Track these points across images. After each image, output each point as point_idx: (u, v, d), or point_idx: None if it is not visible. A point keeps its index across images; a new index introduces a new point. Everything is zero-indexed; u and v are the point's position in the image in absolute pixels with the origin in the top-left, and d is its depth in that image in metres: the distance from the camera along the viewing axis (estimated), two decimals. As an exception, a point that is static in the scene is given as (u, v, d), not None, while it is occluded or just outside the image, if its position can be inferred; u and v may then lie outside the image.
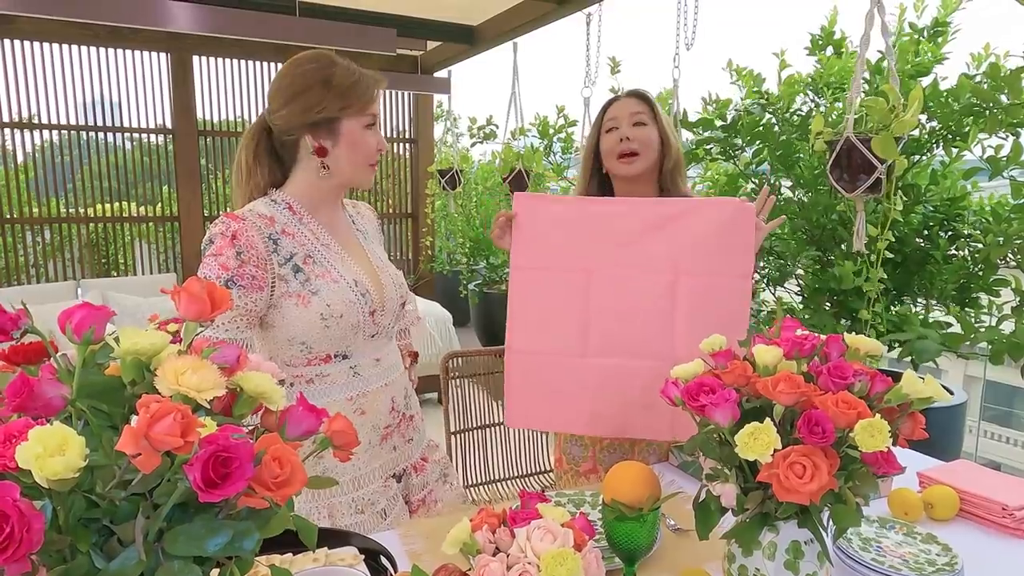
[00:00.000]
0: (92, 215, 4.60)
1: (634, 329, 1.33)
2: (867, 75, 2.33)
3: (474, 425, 2.06)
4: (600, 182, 1.57)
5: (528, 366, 1.39)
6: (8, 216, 4.33)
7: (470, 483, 2.03)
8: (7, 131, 4.27)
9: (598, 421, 1.38)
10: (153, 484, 0.51)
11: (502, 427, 2.10)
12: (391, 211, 5.72)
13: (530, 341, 1.38)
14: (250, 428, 0.67)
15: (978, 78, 2.17)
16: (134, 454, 0.46)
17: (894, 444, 0.80)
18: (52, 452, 0.44)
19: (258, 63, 4.88)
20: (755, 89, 2.68)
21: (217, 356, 0.59)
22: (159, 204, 4.84)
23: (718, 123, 2.72)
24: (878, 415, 0.76)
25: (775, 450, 0.74)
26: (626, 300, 1.33)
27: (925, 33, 2.44)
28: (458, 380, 2.05)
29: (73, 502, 0.50)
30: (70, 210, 4.54)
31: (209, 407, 0.57)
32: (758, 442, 0.74)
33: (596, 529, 1.09)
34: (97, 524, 0.52)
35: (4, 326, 0.57)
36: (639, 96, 1.54)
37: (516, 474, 2.11)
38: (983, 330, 1.92)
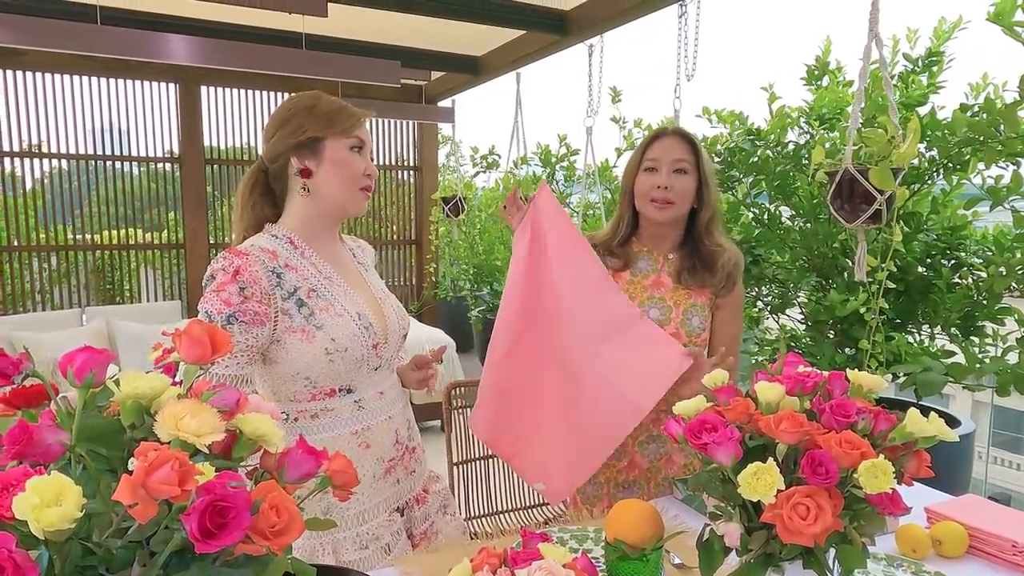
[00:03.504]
0: (99, 242, 4.64)
1: (533, 376, 1.41)
2: (862, 104, 2.35)
3: (477, 455, 2.04)
4: (632, 219, 1.54)
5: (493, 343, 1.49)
6: (16, 244, 4.37)
7: (473, 515, 2.00)
8: (16, 160, 4.33)
9: (480, 423, 1.48)
10: (150, 532, 0.51)
11: (504, 458, 2.07)
12: (395, 237, 5.75)
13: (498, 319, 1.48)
14: (250, 468, 0.67)
15: (976, 108, 2.18)
16: (131, 504, 0.46)
17: (899, 483, 0.79)
18: (49, 503, 0.44)
19: (265, 93, 4.96)
20: (741, 128, 2.71)
21: (217, 399, 0.59)
22: (165, 231, 4.88)
23: (715, 159, 2.75)
24: (882, 455, 0.75)
25: (778, 490, 0.73)
26: (544, 344, 1.40)
27: (920, 63, 2.47)
28: (462, 410, 2.04)
29: (70, 550, 0.50)
30: (77, 237, 4.58)
31: (208, 451, 0.57)
32: (761, 482, 0.74)
33: (599, 568, 1.07)
34: (93, 572, 0.52)
35: (5, 370, 0.57)
36: (685, 139, 1.47)
37: (520, 506, 2.09)
38: (988, 361, 1.91)
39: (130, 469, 0.56)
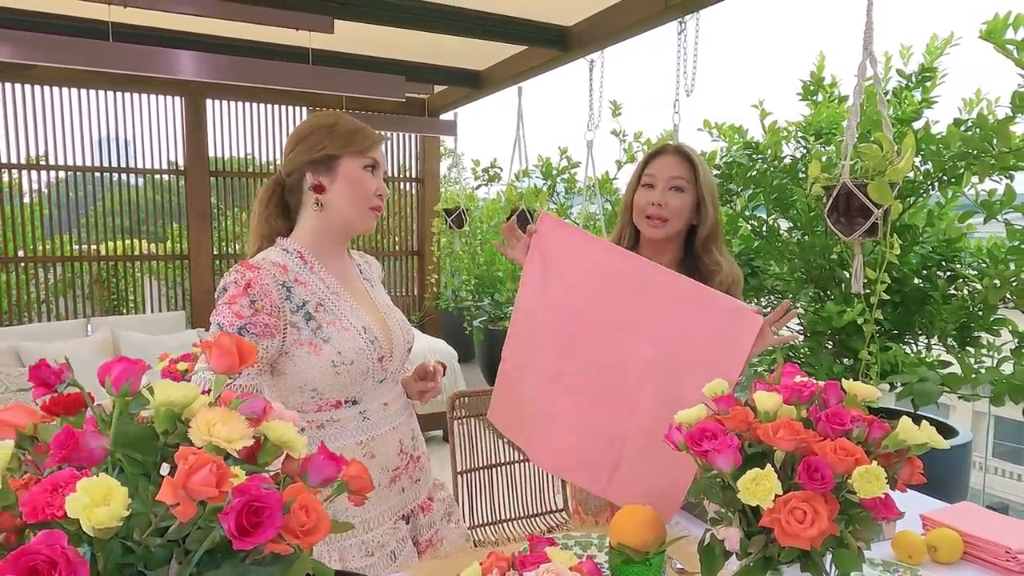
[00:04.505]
0: (103, 252, 4.68)
1: (602, 385, 1.35)
2: (858, 119, 2.40)
3: (481, 465, 2.07)
4: (632, 234, 1.56)
5: (510, 376, 1.46)
6: (22, 255, 4.40)
7: (476, 523, 2.03)
8: (22, 171, 4.37)
9: (553, 457, 1.44)
10: (186, 532, 0.54)
11: (509, 467, 2.10)
12: (397, 248, 5.79)
13: (517, 356, 1.45)
14: (271, 474, 0.70)
15: (969, 122, 2.23)
16: (173, 503, 0.49)
17: (893, 489, 0.83)
18: (98, 502, 0.48)
19: (269, 106, 5.01)
20: (740, 141, 2.75)
21: (245, 407, 0.63)
22: (168, 242, 4.92)
23: (713, 172, 2.80)
24: (875, 461, 0.79)
25: (776, 495, 0.77)
26: (605, 355, 1.34)
27: (913, 79, 2.51)
28: (464, 420, 2.06)
29: (111, 548, 0.53)
30: (82, 247, 4.62)
31: (237, 456, 0.60)
32: (760, 488, 0.77)
33: (603, 572, 1.10)
34: (132, 570, 0.55)
35: (48, 380, 0.61)
36: (683, 156, 1.49)
37: (523, 514, 2.11)
38: (983, 371, 1.94)
39: (163, 473, 0.60)
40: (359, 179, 1.25)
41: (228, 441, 0.58)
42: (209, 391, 0.67)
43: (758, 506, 0.78)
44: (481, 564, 0.87)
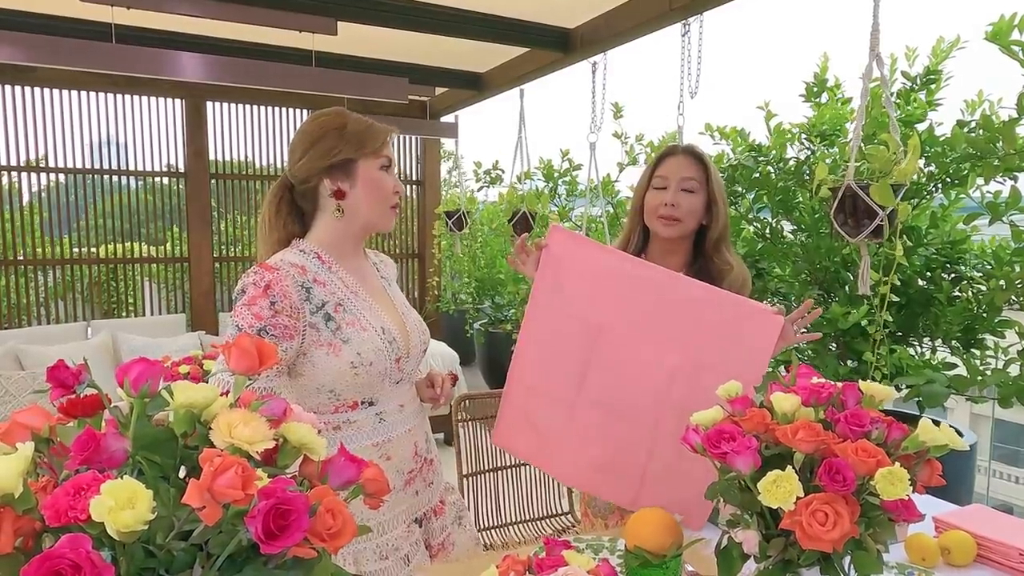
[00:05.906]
0: (102, 255, 4.66)
1: (627, 396, 1.34)
2: (863, 121, 2.40)
3: (486, 468, 2.06)
4: (643, 234, 1.56)
5: (523, 397, 1.44)
6: (21, 257, 4.39)
7: (483, 527, 2.02)
8: (21, 174, 4.36)
9: (578, 473, 1.42)
10: (209, 535, 0.53)
11: (515, 470, 2.10)
12: (398, 251, 5.78)
13: (530, 374, 1.43)
14: (289, 476, 0.69)
15: (973, 124, 2.23)
16: (199, 507, 0.48)
17: (912, 491, 0.82)
18: (123, 505, 0.47)
19: (272, 108, 5.00)
20: (744, 143, 2.75)
21: (265, 409, 0.62)
22: (168, 244, 4.90)
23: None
24: (896, 463, 0.78)
25: (797, 498, 0.76)
26: (628, 366, 1.34)
27: (918, 81, 2.52)
28: (468, 423, 2.06)
29: (133, 553, 0.52)
30: (81, 250, 4.60)
31: (257, 458, 0.60)
32: (781, 490, 0.76)
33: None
34: (153, 574, 0.54)
35: (66, 381, 0.60)
36: (695, 156, 1.50)
37: (529, 517, 2.10)
38: (989, 373, 1.94)
39: (182, 476, 0.59)
40: (377, 179, 1.23)
41: (250, 443, 0.57)
42: (228, 393, 0.66)
43: (777, 508, 0.77)
44: (497, 567, 0.86)
